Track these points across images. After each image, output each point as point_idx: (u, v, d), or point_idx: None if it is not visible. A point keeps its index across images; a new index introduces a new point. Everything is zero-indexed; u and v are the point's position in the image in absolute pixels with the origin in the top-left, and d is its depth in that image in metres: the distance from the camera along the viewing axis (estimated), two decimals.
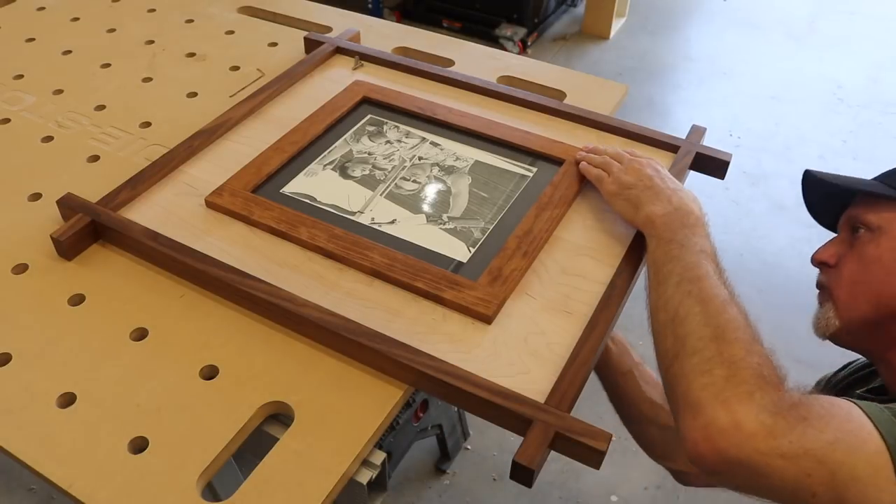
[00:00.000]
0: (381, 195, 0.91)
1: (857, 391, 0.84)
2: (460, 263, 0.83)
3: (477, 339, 0.76)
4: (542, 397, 0.69)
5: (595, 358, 0.74)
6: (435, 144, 0.99)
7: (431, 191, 0.92)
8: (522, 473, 0.64)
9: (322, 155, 0.97)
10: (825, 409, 0.59)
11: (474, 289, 0.79)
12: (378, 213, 0.89)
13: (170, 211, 0.89)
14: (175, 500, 0.64)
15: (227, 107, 1.04)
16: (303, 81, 1.12)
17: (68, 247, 0.83)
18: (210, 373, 0.73)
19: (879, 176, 0.82)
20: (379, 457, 0.71)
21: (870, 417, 0.58)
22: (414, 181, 0.94)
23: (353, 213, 0.89)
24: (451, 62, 1.20)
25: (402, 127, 1.02)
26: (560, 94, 1.13)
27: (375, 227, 0.87)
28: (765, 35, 3.33)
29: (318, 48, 1.17)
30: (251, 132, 1.02)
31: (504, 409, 0.68)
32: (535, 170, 0.96)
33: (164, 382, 0.72)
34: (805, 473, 0.56)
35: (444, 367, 0.70)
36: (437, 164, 0.96)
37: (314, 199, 0.90)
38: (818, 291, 0.84)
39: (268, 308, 0.77)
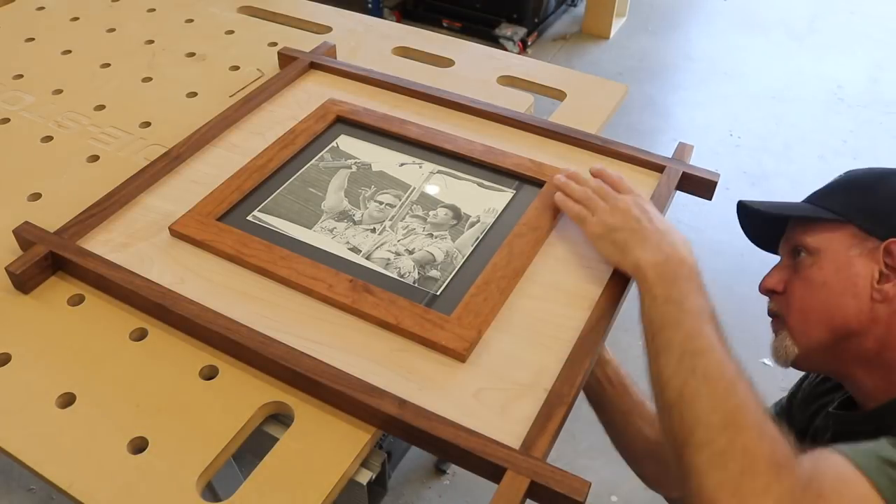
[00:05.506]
0: (354, 224, 0.87)
1: (830, 409, 0.84)
2: (433, 296, 0.78)
3: (449, 377, 0.71)
4: (517, 440, 0.65)
5: (575, 395, 0.69)
6: (406, 164, 0.95)
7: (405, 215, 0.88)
8: None
9: (290, 180, 0.93)
10: (836, 478, 0.58)
11: (447, 324, 0.73)
12: (350, 241, 0.85)
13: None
14: (175, 500, 0.64)
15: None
16: (272, 101, 1.07)
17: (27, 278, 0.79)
18: (210, 373, 0.73)
19: (809, 196, 0.83)
20: (379, 457, 0.71)
21: (867, 476, 0.58)
22: (388, 205, 0.89)
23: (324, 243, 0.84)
24: (451, 62, 1.20)
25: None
26: (560, 94, 1.12)
27: (344, 256, 0.82)
28: (765, 35, 3.33)
29: (291, 64, 1.12)
30: (216, 159, 0.97)
31: (474, 457, 0.63)
32: (513, 192, 0.91)
33: (164, 382, 0.72)
34: None
35: (412, 409, 0.66)
36: (411, 197, 0.91)
37: (280, 228, 0.86)
38: (771, 320, 0.84)
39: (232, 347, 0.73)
